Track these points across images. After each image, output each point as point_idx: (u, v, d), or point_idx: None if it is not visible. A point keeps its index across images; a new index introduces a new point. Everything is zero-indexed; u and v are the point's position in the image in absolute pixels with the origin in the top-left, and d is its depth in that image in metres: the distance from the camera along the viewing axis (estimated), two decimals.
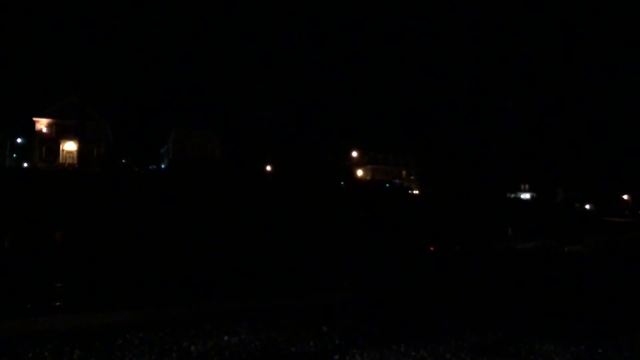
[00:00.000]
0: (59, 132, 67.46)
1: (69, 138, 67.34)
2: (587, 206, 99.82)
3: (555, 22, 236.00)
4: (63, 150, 67.58)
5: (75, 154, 66.86)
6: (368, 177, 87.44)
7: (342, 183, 70.25)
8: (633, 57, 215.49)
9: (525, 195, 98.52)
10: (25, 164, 65.54)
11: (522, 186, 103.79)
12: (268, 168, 74.44)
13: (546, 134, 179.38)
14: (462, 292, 17.80)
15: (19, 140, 71.50)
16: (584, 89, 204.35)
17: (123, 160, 70.97)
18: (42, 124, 67.51)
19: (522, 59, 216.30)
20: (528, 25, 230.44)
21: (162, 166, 75.40)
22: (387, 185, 75.65)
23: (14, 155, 70.25)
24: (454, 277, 23.84)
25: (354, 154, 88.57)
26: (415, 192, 79.56)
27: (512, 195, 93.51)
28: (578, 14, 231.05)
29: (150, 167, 70.93)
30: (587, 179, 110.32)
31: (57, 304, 14.47)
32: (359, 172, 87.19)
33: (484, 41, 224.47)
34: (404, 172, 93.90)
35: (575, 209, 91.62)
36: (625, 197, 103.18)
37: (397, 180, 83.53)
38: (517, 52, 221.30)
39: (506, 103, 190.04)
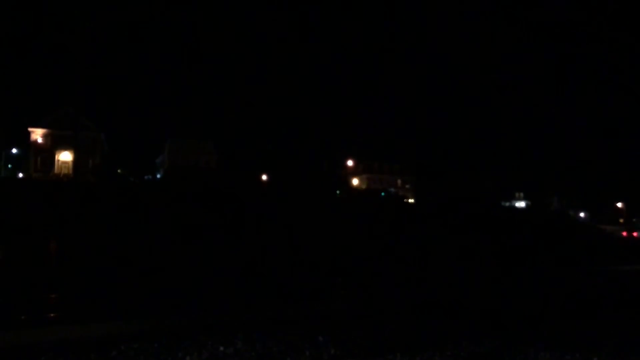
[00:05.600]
0: (55, 143, 67.28)
1: (65, 148, 67.15)
2: (582, 214, 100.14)
3: (548, 30, 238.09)
4: (58, 160, 67.39)
5: (70, 165, 66.68)
6: (364, 186, 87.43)
7: (337, 192, 70.23)
8: (627, 65, 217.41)
9: (520, 204, 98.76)
10: (21, 174, 65.34)
11: (516, 194, 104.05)
12: (264, 177, 74.38)
13: (540, 141, 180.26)
14: None
15: (14, 150, 71.32)
16: (578, 97, 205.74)
17: (119, 171, 70.77)
18: (37, 135, 67.36)
19: (516, 67, 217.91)
20: (523, 34, 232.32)
21: (158, 176, 75.22)
22: (383, 193, 75.66)
23: (9, 165, 70.06)
24: None
25: (349, 162, 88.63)
26: (411, 200, 79.62)
27: (507, 204, 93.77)
28: (571, 19, 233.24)
29: (145, 177, 70.72)
30: (581, 187, 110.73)
31: (52, 315, 14.41)
32: (355, 181, 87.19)
33: (479, 49, 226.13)
34: (399, 181, 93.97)
35: (570, 216, 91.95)
36: (619, 205, 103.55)
37: (392, 189, 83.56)
38: (512, 60, 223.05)
39: (501, 110, 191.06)
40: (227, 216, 44.33)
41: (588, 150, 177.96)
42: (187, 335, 10.65)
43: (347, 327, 12.10)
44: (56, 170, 66.48)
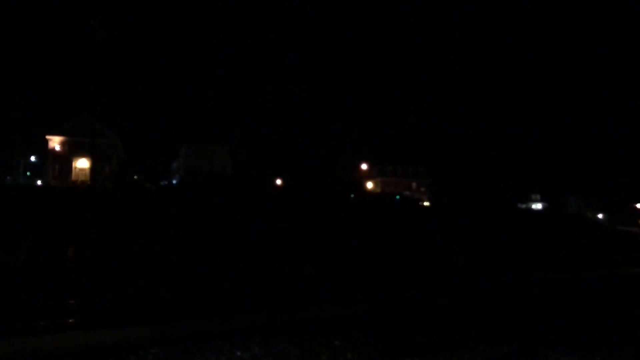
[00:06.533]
0: (72, 150, 68.32)
1: (82, 155, 68.11)
2: (600, 215, 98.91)
3: (565, 28, 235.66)
4: (76, 167, 68.39)
5: (87, 171, 67.58)
6: (378, 190, 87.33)
7: (351, 196, 70.17)
8: None
9: (537, 206, 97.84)
10: (39, 182, 66.46)
11: (533, 196, 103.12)
12: (278, 182, 74.67)
13: (557, 143, 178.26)
14: None
15: (32, 158, 72.58)
16: (595, 97, 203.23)
17: (135, 177, 71.53)
18: (55, 142, 68.48)
19: (532, 66, 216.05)
20: (537, 33, 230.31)
21: (174, 182, 75.89)
22: (397, 197, 75.41)
23: (28, 173, 71.30)
24: None
25: (364, 166, 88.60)
26: (426, 203, 79.31)
27: (524, 206, 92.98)
28: (590, 18, 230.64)
29: (161, 182, 71.40)
30: (598, 189, 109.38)
31: (70, 320, 14.57)
32: (369, 185, 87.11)
33: (493, 50, 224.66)
34: (413, 184, 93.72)
35: (588, 218, 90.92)
36: (638, 206, 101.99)
37: (407, 192, 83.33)
38: (527, 60, 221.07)
39: (517, 111, 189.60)
40: (242, 220, 44.52)
41: (605, 151, 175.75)
42: (204, 339, 10.70)
43: (363, 331, 12.07)
44: (73, 177, 67.42)
